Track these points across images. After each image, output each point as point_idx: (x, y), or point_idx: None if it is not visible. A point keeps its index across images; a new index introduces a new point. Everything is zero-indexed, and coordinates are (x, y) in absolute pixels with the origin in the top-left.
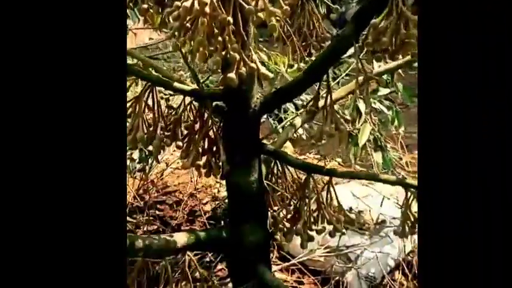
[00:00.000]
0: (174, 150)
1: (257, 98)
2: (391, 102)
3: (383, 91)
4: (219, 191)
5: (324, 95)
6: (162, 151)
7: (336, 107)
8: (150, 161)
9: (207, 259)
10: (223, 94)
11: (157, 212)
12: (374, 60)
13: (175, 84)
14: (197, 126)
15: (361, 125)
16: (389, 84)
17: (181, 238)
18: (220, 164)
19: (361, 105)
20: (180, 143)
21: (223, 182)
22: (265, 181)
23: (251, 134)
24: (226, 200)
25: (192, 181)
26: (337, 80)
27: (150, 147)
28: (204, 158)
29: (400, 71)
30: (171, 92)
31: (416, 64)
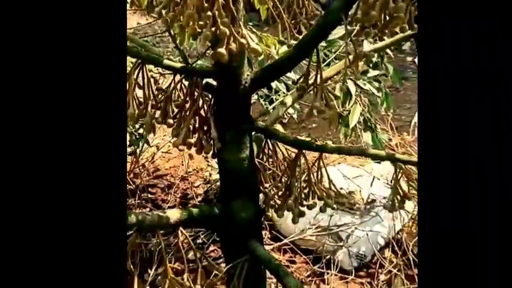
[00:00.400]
0: (165, 135)
1: (247, 75)
2: (380, 83)
3: (372, 72)
4: (210, 174)
5: (314, 72)
6: (152, 134)
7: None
8: (140, 144)
9: (200, 240)
10: (213, 71)
11: (149, 196)
12: (364, 36)
13: (165, 61)
14: (188, 105)
15: (352, 107)
16: (379, 66)
17: (173, 214)
18: (211, 141)
19: (351, 87)
20: (171, 121)
21: (215, 165)
22: (256, 159)
23: (242, 111)
24: (218, 183)
25: (183, 164)
26: (327, 62)
27: (141, 130)
28: (196, 136)
29: (390, 53)
30: (161, 71)
31: (404, 47)
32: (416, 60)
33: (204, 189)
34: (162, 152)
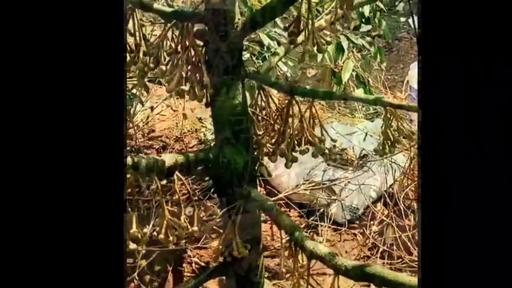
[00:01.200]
0: (158, 97)
1: (238, 19)
2: (372, 38)
3: (365, 27)
4: (205, 135)
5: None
6: (146, 93)
7: None
8: (134, 103)
9: (195, 198)
10: (204, 15)
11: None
12: None
13: (156, 5)
14: (179, 55)
15: (344, 62)
16: (371, 21)
17: (170, 158)
18: (204, 90)
19: (344, 42)
20: (163, 67)
21: (210, 126)
22: (250, 109)
23: (234, 56)
24: (213, 143)
25: (178, 126)
26: (318, 19)
27: (134, 90)
28: (188, 84)
29: (382, 6)
30: (152, 20)
31: (398, 7)
32: (410, 20)
33: (199, 150)
34: (157, 114)
